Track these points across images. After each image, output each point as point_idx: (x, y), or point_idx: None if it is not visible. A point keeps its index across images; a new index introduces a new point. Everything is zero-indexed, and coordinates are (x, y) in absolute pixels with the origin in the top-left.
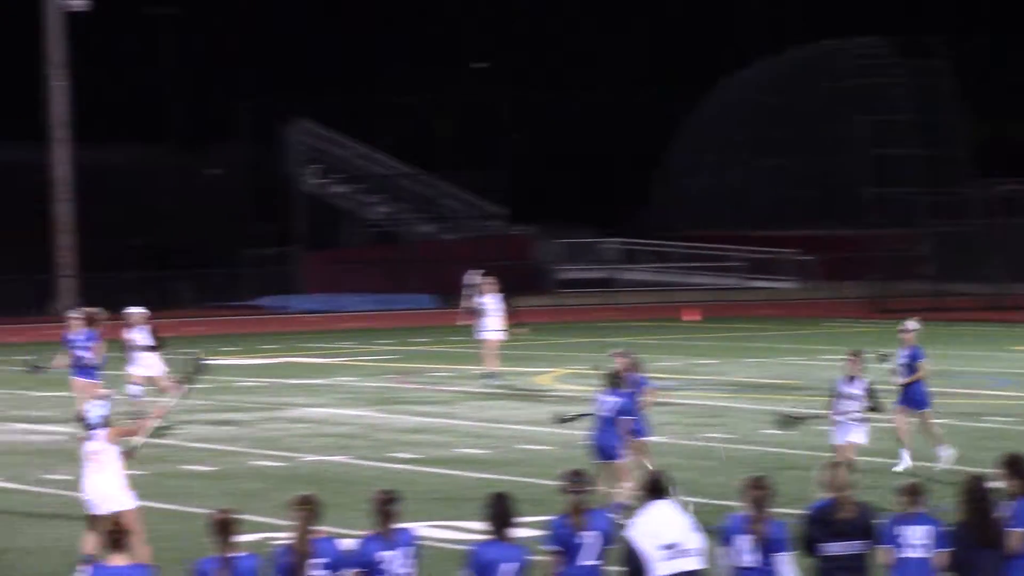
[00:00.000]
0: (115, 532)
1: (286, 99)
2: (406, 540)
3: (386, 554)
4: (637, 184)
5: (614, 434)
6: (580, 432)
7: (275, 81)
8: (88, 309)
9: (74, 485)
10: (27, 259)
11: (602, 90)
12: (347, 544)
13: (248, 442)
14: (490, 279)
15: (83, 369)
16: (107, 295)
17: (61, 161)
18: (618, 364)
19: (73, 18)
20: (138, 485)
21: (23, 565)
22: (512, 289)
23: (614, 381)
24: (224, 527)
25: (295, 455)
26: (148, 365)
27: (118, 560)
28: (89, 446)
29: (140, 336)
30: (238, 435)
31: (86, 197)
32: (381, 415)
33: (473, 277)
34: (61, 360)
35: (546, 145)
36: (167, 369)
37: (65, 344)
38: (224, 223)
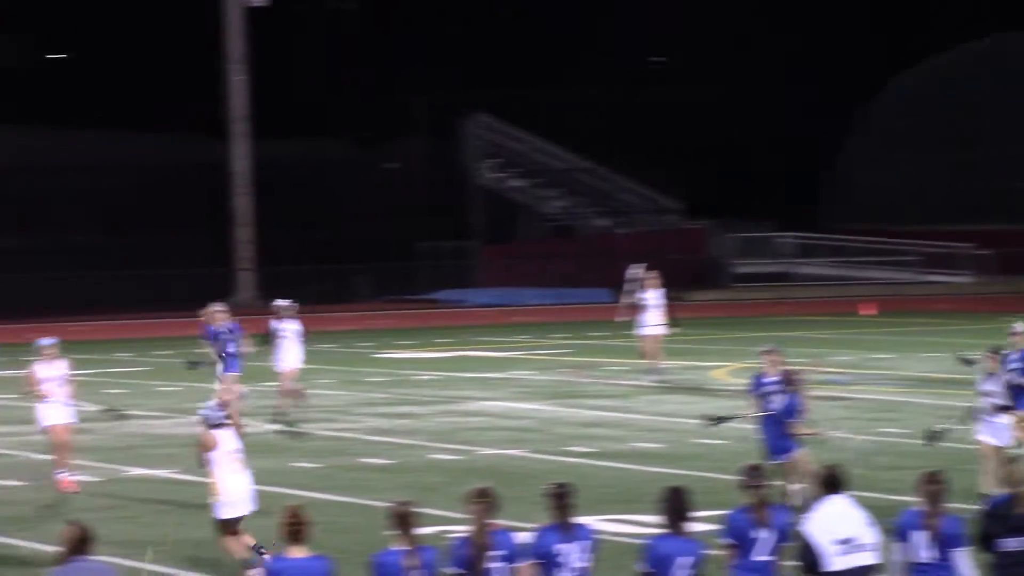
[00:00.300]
0: (294, 524)
1: (464, 93)
2: (583, 534)
3: (563, 547)
4: (812, 178)
5: (783, 432)
6: (754, 427)
7: (453, 75)
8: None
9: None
10: (206, 253)
11: (779, 83)
12: (523, 537)
13: (425, 435)
14: (652, 274)
15: (227, 362)
16: (285, 288)
17: (240, 156)
18: (765, 362)
19: (253, 13)
20: (316, 478)
21: (205, 555)
22: (687, 284)
23: (783, 380)
24: (404, 519)
25: (471, 448)
26: (294, 358)
27: (297, 552)
28: (224, 446)
29: (290, 328)
30: (415, 428)
31: (265, 191)
32: (557, 409)
33: (636, 272)
34: (208, 353)
35: (722, 139)
36: (301, 364)
37: (208, 337)
38: (402, 217)
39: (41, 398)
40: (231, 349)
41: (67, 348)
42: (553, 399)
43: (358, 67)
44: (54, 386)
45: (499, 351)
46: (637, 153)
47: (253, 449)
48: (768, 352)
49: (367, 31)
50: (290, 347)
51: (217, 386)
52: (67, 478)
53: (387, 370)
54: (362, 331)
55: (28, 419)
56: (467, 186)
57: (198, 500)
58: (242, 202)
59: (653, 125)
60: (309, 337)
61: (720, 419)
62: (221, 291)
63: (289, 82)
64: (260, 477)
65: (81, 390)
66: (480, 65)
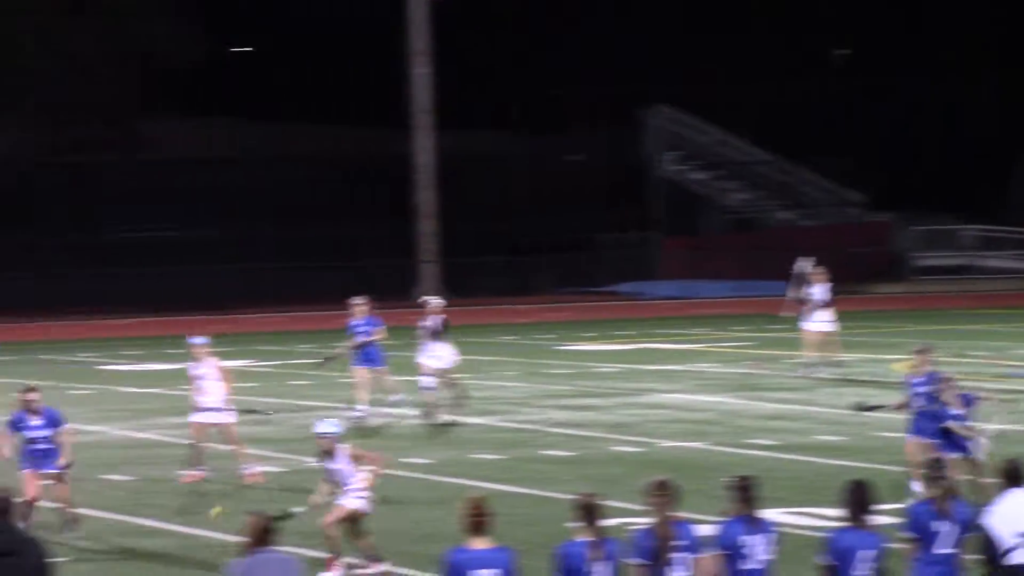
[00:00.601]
0: (476, 515)
1: (646, 85)
2: (767, 526)
3: (749, 539)
4: (997, 171)
5: (935, 430)
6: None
7: (636, 67)
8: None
9: (429, 468)
10: (390, 245)
11: (962, 73)
12: (705, 530)
13: (606, 427)
14: (820, 269)
15: (366, 357)
16: (468, 281)
17: (423, 149)
18: (916, 361)
19: (437, 6)
20: (499, 469)
21: (394, 546)
22: (869, 276)
23: (931, 381)
24: (589, 511)
25: (653, 441)
26: (439, 356)
27: (479, 544)
28: (335, 465)
29: (434, 325)
30: (596, 420)
31: (448, 184)
32: (739, 401)
33: (802, 266)
34: (345, 347)
35: (905, 131)
36: (457, 360)
37: (348, 331)
38: (583, 209)
39: (195, 396)
40: (368, 342)
41: (250, 340)
42: (735, 392)
43: (541, 58)
44: (206, 384)
45: (680, 343)
46: (820, 145)
47: (435, 441)
48: (920, 351)
49: (551, 21)
50: (438, 343)
51: (357, 379)
52: (252, 471)
53: (568, 362)
54: (543, 323)
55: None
56: (649, 178)
57: (379, 490)
58: (425, 195)
59: (837, 117)
60: (450, 332)
61: (871, 407)
62: (403, 284)
63: (473, 74)
64: (442, 468)
65: (264, 381)
66: (662, 56)
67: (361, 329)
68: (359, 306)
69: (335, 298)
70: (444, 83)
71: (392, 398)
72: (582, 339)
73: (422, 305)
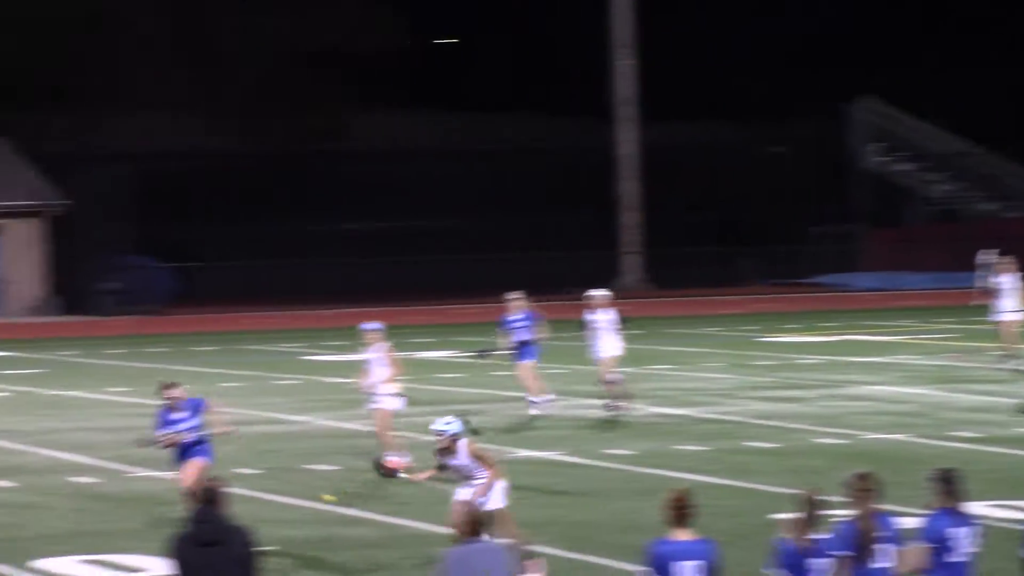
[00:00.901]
0: (679, 507)
1: (851, 76)
2: (971, 519)
3: (954, 531)
4: None
5: None
6: None
7: (840, 58)
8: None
9: (632, 460)
10: (593, 236)
11: None
12: (908, 522)
13: (809, 419)
14: (1007, 259)
15: (523, 352)
16: (671, 272)
17: (626, 140)
18: None
19: None
20: (701, 460)
21: (596, 536)
22: None
23: None
24: (811, 506)
25: (856, 433)
26: (611, 348)
27: (682, 535)
28: (458, 462)
29: (603, 319)
30: (799, 412)
31: (653, 174)
32: (942, 394)
33: (986, 257)
34: (503, 342)
35: None
36: (621, 355)
37: (504, 326)
38: (788, 200)
39: (365, 383)
40: (524, 338)
41: (451, 331)
42: (939, 384)
43: (746, 49)
44: (375, 369)
45: (883, 335)
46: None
47: (639, 432)
48: None
49: (756, 12)
50: (606, 337)
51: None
52: (393, 459)
53: (772, 353)
54: (747, 314)
55: (422, 400)
56: (853, 170)
57: (584, 482)
58: (628, 186)
59: None
60: (626, 325)
61: None
62: (605, 274)
63: (677, 65)
64: (644, 460)
65: (466, 372)
66: (867, 48)
67: (518, 324)
68: (515, 301)
69: (538, 288)
70: (648, 73)
71: (534, 399)
72: (786, 331)
73: (587, 301)
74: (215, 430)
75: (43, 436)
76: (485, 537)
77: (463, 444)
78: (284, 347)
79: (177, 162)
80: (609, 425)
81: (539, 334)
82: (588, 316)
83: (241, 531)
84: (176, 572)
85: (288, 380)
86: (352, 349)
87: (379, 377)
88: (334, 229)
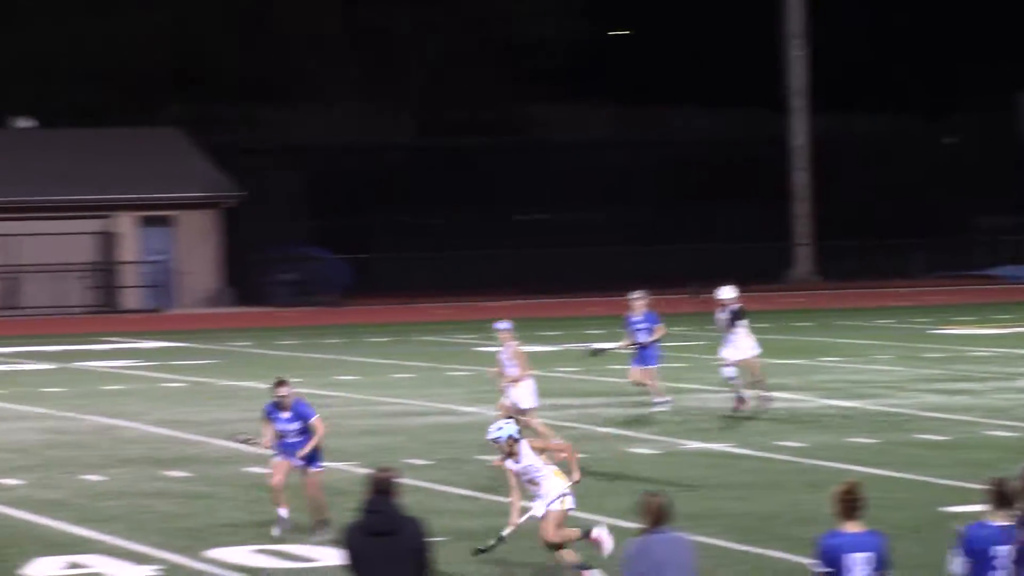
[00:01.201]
0: (850, 499)
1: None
2: None
3: None
4: None
5: None
6: None
7: (1013, 49)
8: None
9: (803, 452)
10: (766, 227)
11: None
12: None
13: (981, 412)
14: None
15: (642, 357)
16: (842, 263)
17: (798, 131)
18: None
19: None
20: (872, 453)
21: (766, 528)
22: None
23: None
24: (1001, 495)
25: None
26: (741, 346)
27: (852, 527)
28: (520, 465)
29: (728, 317)
30: (972, 405)
31: (826, 165)
32: None
33: None
34: (624, 343)
35: None
36: (759, 352)
37: (627, 327)
38: (960, 191)
39: (505, 381)
40: (642, 339)
41: (619, 323)
42: None
43: (915, 42)
44: (512, 368)
45: None
46: None
47: (809, 424)
48: None
49: (926, 2)
50: (742, 336)
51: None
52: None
53: (944, 346)
54: (918, 307)
55: (595, 392)
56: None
57: (754, 474)
58: (800, 177)
59: None
60: (747, 317)
61: None
62: (777, 266)
63: (849, 56)
64: (815, 452)
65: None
66: None
67: (641, 326)
68: (638, 301)
69: (707, 280)
70: (820, 63)
71: (657, 400)
72: (957, 323)
73: (718, 302)
74: (310, 442)
75: (216, 427)
76: (668, 528)
77: (523, 444)
78: (458, 339)
79: (350, 154)
80: (775, 419)
81: (657, 336)
82: (719, 315)
83: (413, 522)
84: (347, 562)
85: (461, 371)
86: (525, 341)
87: (510, 375)
88: (507, 220)
